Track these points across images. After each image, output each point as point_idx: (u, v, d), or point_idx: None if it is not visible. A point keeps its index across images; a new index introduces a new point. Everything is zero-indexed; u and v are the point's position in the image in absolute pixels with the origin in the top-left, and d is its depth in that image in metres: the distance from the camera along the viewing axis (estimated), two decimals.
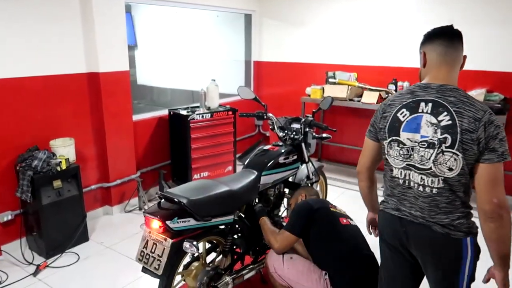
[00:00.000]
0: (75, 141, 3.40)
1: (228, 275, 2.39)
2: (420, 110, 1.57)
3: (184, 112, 4.24)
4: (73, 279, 2.93)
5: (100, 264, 3.14)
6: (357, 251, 2.13)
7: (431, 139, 1.54)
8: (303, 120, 2.95)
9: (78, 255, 3.23)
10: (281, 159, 2.71)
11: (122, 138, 3.88)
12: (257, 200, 2.67)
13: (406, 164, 1.62)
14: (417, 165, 1.59)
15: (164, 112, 4.43)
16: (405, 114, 1.61)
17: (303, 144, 2.91)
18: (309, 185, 2.98)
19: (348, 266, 2.07)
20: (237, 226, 2.46)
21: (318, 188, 3.41)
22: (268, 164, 2.63)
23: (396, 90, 4.53)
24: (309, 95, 4.92)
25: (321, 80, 4.99)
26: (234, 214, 2.36)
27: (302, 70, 5.38)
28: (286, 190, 2.99)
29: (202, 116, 4.24)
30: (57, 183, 3.18)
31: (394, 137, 1.64)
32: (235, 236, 2.52)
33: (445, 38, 1.64)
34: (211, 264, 2.41)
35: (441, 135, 1.51)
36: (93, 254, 3.27)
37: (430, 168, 1.55)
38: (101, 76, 3.58)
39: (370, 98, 4.48)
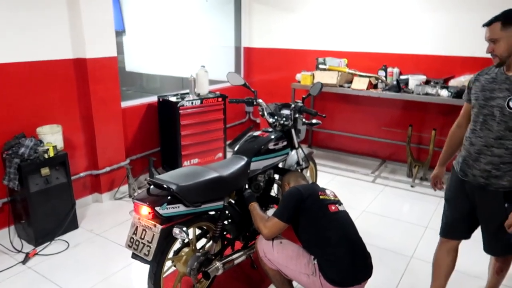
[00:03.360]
0: (62, 128, 3.36)
1: (219, 260, 2.40)
2: None
3: (173, 99, 4.20)
4: (63, 266, 2.92)
5: (90, 251, 3.14)
6: (345, 237, 2.14)
7: None
8: (292, 106, 2.95)
9: (67, 242, 3.22)
10: (271, 145, 2.72)
11: (111, 125, 3.84)
12: (247, 186, 2.67)
13: None
14: None
15: (153, 98, 4.39)
16: None
17: (293, 130, 2.91)
18: (299, 170, 2.99)
19: (336, 252, 2.08)
20: (227, 212, 2.46)
21: (308, 174, 3.43)
22: (258, 150, 2.63)
23: (386, 77, 4.54)
24: (300, 82, 4.90)
25: (312, 67, 4.97)
26: (224, 200, 2.37)
27: (293, 56, 5.36)
28: (276, 176, 3.00)
29: (192, 103, 4.21)
30: (45, 171, 3.15)
31: None
32: (225, 222, 2.53)
33: None
34: (201, 250, 2.42)
35: None
36: (83, 241, 3.26)
37: None
38: (88, 62, 3.52)
39: (360, 84, 4.48)
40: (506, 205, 1.99)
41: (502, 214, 2.00)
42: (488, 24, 1.94)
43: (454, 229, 2.29)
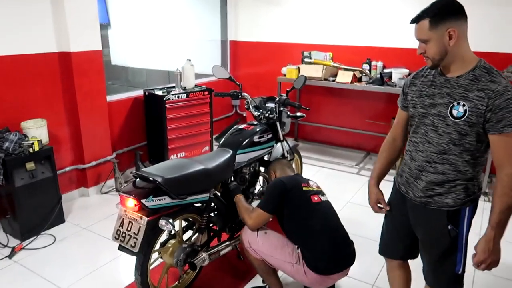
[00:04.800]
0: (47, 122, 3.34)
1: (205, 251, 2.44)
2: None
3: (159, 93, 4.20)
4: (50, 260, 2.93)
5: (77, 245, 3.15)
6: (327, 226, 2.21)
7: None
8: (277, 99, 2.99)
9: (54, 236, 3.22)
10: (256, 138, 2.75)
11: (96, 119, 3.83)
12: (232, 179, 2.71)
13: None
14: None
15: (139, 92, 4.38)
16: None
17: (277, 123, 2.95)
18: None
19: (319, 241, 2.14)
20: (212, 204, 2.50)
21: (293, 167, 3.48)
22: (243, 143, 2.67)
23: (370, 70, 4.61)
24: (285, 75, 4.94)
25: (297, 60, 5.01)
26: (210, 192, 2.40)
27: (279, 50, 5.39)
28: (262, 169, 3.04)
29: (178, 97, 4.21)
30: (30, 165, 3.14)
31: None
32: (211, 214, 2.56)
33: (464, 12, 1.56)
34: (187, 241, 2.45)
35: None
36: (69, 235, 3.26)
37: None
38: (73, 55, 3.50)
39: (344, 77, 4.54)
40: (449, 227, 1.72)
41: (446, 238, 1.73)
42: (416, 20, 1.59)
43: (389, 249, 2.06)
